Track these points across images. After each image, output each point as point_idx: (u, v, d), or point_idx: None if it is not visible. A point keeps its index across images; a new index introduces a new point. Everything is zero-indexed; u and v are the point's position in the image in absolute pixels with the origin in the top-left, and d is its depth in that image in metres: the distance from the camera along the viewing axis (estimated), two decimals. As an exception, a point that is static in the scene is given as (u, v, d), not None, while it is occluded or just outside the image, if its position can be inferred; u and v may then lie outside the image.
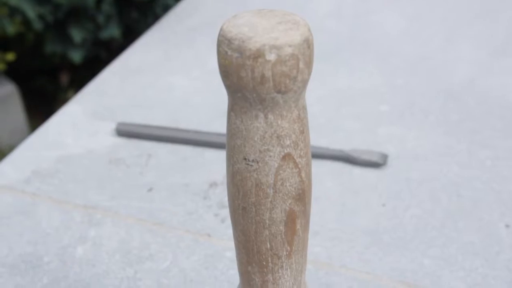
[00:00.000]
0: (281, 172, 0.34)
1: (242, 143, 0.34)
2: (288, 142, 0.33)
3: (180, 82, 0.86)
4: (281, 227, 0.36)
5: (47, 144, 0.74)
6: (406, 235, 0.60)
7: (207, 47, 0.93)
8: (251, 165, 0.34)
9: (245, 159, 0.34)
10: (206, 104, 0.80)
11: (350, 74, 0.86)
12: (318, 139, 0.72)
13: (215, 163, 0.70)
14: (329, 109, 0.78)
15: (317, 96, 0.80)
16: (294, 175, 0.34)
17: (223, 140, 0.72)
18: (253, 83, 0.31)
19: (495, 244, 0.59)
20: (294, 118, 0.33)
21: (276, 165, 0.34)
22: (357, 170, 0.68)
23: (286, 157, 0.34)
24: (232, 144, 0.34)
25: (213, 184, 0.67)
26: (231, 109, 0.34)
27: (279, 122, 0.33)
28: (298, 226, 0.36)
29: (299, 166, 0.34)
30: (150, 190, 0.67)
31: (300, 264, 0.38)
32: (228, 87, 0.32)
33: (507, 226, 0.60)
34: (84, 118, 0.79)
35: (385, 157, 0.69)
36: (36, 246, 0.61)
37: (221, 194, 0.66)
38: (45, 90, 1.95)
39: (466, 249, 0.58)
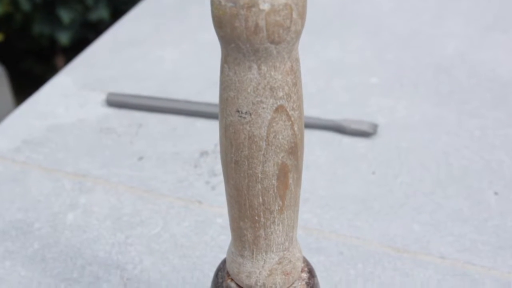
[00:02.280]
0: (274, 124, 0.34)
1: (235, 95, 0.34)
2: (281, 94, 0.34)
3: (171, 55, 0.85)
4: (273, 181, 0.36)
5: (37, 114, 0.74)
6: (396, 202, 0.60)
7: (197, 20, 0.93)
8: (244, 118, 0.34)
9: (238, 111, 0.34)
10: (196, 76, 0.80)
11: (341, 47, 0.86)
12: (309, 109, 0.72)
13: (206, 132, 0.70)
14: (320, 81, 0.79)
15: (307, 67, 0.80)
16: (287, 128, 0.35)
17: (214, 109, 0.72)
18: (247, 33, 0.31)
19: (484, 211, 0.59)
20: (287, 70, 0.33)
21: (269, 117, 0.34)
22: (347, 140, 0.69)
23: (279, 109, 0.34)
24: (225, 96, 0.34)
25: (204, 153, 0.67)
26: (224, 61, 0.34)
27: (272, 73, 0.33)
28: (290, 181, 0.36)
29: (292, 119, 0.34)
30: (140, 158, 0.67)
31: (292, 220, 0.38)
32: (222, 38, 0.32)
33: (495, 193, 0.61)
34: (74, 88, 0.79)
35: (375, 126, 0.69)
36: (27, 213, 0.61)
37: (212, 162, 0.66)
38: (34, 72, 1.94)
39: (455, 216, 0.59)
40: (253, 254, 0.39)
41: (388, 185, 0.63)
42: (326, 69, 0.81)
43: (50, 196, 0.62)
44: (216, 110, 0.70)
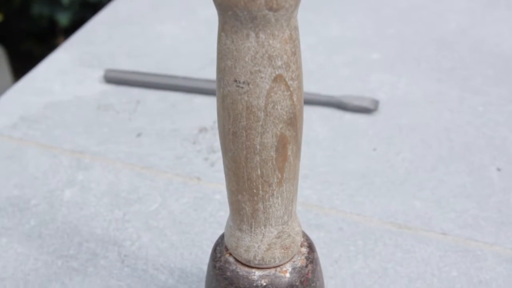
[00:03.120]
0: (272, 94, 0.33)
1: (232, 64, 0.33)
2: (279, 63, 0.33)
3: (169, 31, 0.84)
4: (272, 153, 0.35)
5: (35, 91, 0.73)
6: (397, 178, 0.60)
7: (196, -4, 0.92)
8: (242, 87, 0.33)
9: (235, 81, 0.33)
10: (195, 52, 0.79)
11: (341, 24, 0.85)
12: (309, 85, 0.71)
13: (204, 109, 0.69)
14: (320, 57, 0.78)
15: (307, 43, 0.79)
16: (285, 98, 0.34)
17: (213, 86, 0.71)
18: (244, 0, 0.30)
19: (486, 187, 0.58)
20: (286, 38, 0.32)
21: (267, 87, 0.33)
22: (347, 116, 0.68)
23: (278, 78, 0.33)
24: (222, 66, 0.33)
25: (202, 129, 0.66)
26: (222, 29, 0.33)
27: (271, 41, 0.32)
28: (289, 153, 0.36)
29: (291, 89, 0.34)
30: (138, 135, 0.66)
31: (291, 193, 0.38)
32: (219, 5, 0.31)
33: (498, 169, 0.60)
34: (72, 65, 0.78)
35: (376, 103, 0.68)
36: (23, 190, 0.60)
37: (211, 139, 0.65)
38: (34, 53, 1.93)
39: (457, 192, 0.58)
40: (251, 228, 0.38)
41: (389, 161, 0.62)
42: (327, 46, 0.80)
43: (47, 173, 0.62)
44: (215, 86, 0.69)
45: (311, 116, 0.67)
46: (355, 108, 0.68)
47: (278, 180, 0.36)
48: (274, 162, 0.35)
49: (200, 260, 0.52)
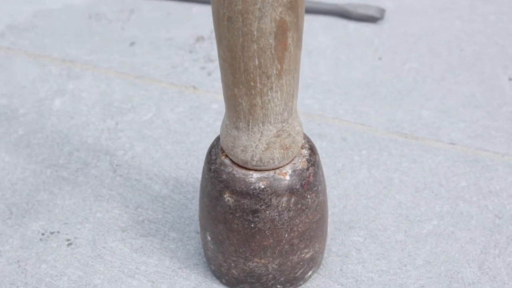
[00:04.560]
0: (271, -28, 0.30)
1: None
2: None
3: None
4: (270, 40, 0.32)
5: (23, -1, 0.70)
6: (404, 88, 0.57)
7: None
8: (238, -36, 0.30)
9: (230, -44, 0.30)
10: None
11: None
12: (312, -7, 0.67)
13: (202, 18, 0.66)
14: (324, -35, 0.74)
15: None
16: (286, -23, 0.30)
17: (210, -6, 0.67)
18: None
19: (497, 97, 0.56)
20: None
21: (266, -37, 0.30)
22: (352, 25, 0.64)
23: (277, -47, 0.30)
24: None
25: (199, 38, 0.63)
26: None
27: None
28: (289, 41, 0.32)
29: (292, -33, 0.30)
30: (132, 44, 0.63)
31: (292, 87, 0.35)
32: None
33: (510, 79, 0.57)
34: (62, -27, 0.74)
35: (382, 11, 0.64)
36: (11, 99, 0.57)
37: (209, 48, 0.62)
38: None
39: (467, 102, 0.55)
40: (249, 125, 0.35)
41: (395, 71, 0.59)
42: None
43: (35, 82, 0.59)
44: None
45: (314, 25, 0.64)
46: (360, 17, 0.64)
47: (277, 72, 0.33)
48: (273, 51, 0.32)
49: (195, 169, 0.50)
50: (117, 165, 0.50)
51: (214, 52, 0.61)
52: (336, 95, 0.56)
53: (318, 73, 0.58)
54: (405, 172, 0.49)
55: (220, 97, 0.56)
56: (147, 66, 0.60)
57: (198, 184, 0.49)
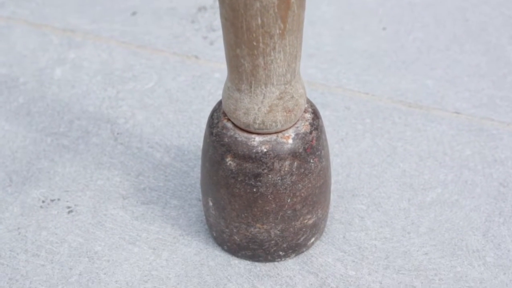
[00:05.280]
0: None
1: None
2: None
3: None
4: (274, -1, 0.31)
5: (23, -31, 0.69)
6: (408, 58, 0.56)
7: None
8: None
9: None
10: None
11: None
12: (315, -37, 0.66)
13: (204, -13, 0.65)
14: None
15: None
16: None
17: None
18: None
19: (503, 66, 0.55)
20: None
21: None
22: (356, -5, 0.64)
23: None
24: None
25: (202, 8, 0.62)
26: None
27: None
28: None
29: None
30: (133, 13, 0.62)
31: (295, 48, 0.34)
32: None
33: (516, 49, 0.56)
34: None
35: (387, -19, 0.64)
36: (11, 68, 0.56)
37: (211, 17, 0.61)
38: None
39: (472, 71, 0.55)
40: (251, 87, 0.35)
41: (399, 40, 0.58)
42: None
43: (36, 51, 0.58)
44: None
45: (317, -5, 0.63)
46: (364, -13, 0.63)
47: (280, 31, 0.33)
48: (276, 10, 0.32)
49: (197, 138, 0.49)
50: (118, 133, 0.50)
51: (216, 22, 0.60)
52: (339, 65, 0.56)
53: (322, 43, 0.58)
54: (409, 141, 0.49)
55: (222, 66, 0.55)
56: (149, 35, 0.59)
57: (200, 153, 0.48)
